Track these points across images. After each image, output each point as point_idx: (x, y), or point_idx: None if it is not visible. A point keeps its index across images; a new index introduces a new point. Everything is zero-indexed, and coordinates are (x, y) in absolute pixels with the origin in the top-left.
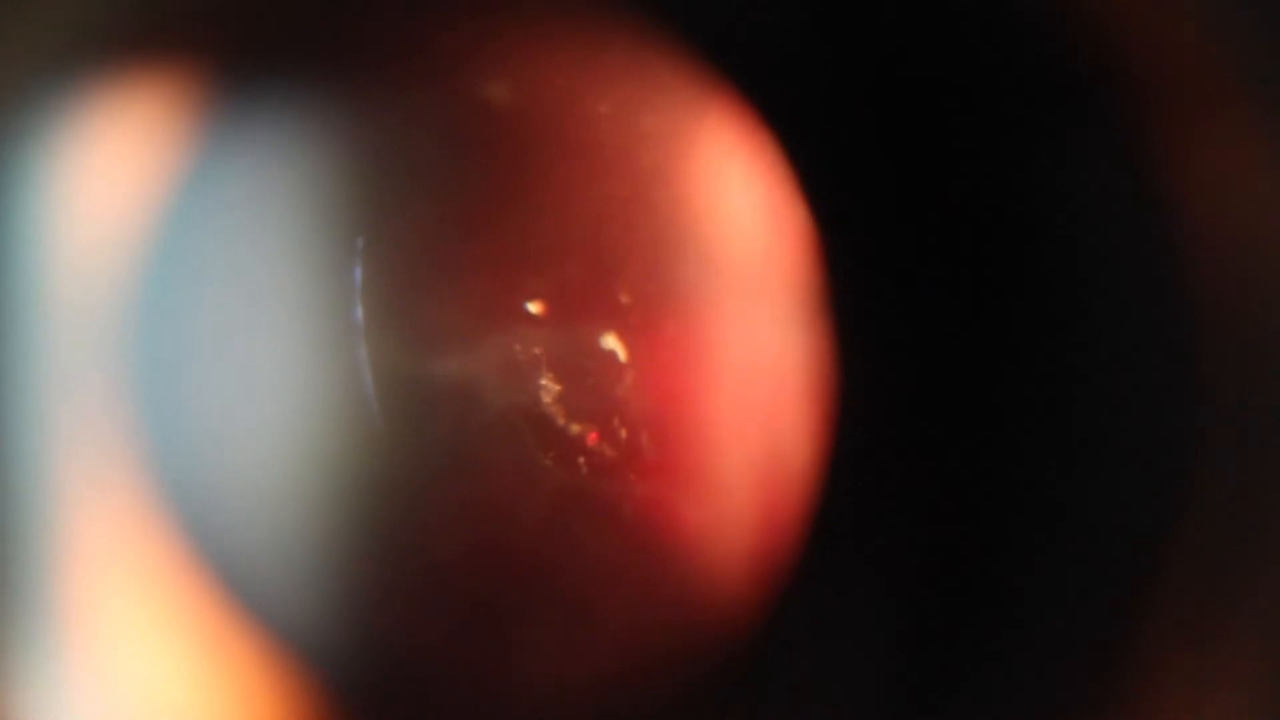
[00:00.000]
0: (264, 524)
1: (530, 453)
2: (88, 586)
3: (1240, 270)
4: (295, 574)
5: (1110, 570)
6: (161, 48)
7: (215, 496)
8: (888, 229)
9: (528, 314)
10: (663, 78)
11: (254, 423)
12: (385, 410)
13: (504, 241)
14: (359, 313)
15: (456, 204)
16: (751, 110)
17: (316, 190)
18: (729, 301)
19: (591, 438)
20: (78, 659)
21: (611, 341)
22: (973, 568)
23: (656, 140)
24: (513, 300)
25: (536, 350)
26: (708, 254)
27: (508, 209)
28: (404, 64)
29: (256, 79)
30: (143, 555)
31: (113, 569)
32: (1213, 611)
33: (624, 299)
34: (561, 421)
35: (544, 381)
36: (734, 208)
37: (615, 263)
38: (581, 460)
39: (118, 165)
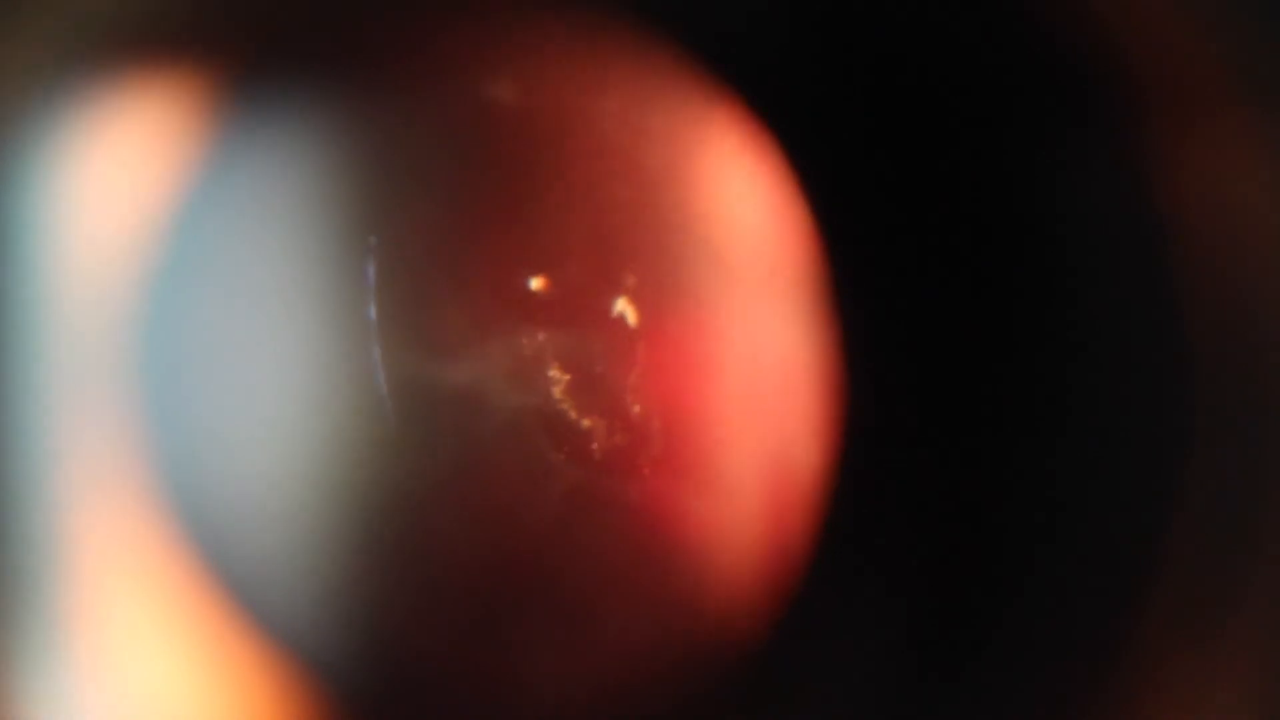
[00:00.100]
0: (270, 527)
1: (537, 454)
2: (93, 589)
3: (1238, 270)
4: (300, 577)
5: (1110, 570)
6: (171, 49)
7: (221, 499)
8: (889, 229)
9: (534, 315)
10: (667, 80)
11: (261, 425)
12: (395, 411)
13: (511, 243)
14: (373, 312)
15: (463, 205)
16: (754, 112)
17: (326, 190)
18: (734, 303)
19: (599, 439)
20: (82, 663)
21: (618, 342)
22: (973, 567)
23: (662, 142)
24: (519, 301)
25: (543, 351)
26: (713, 255)
27: (515, 210)
28: (412, 65)
29: (267, 79)
30: (148, 559)
31: (118, 573)
32: (1212, 611)
33: (631, 300)
34: (569, 422)
35: (551, 382)
36: (738, 209)
37: (622, 264)
38: (589, 461)
39: (126, 167)
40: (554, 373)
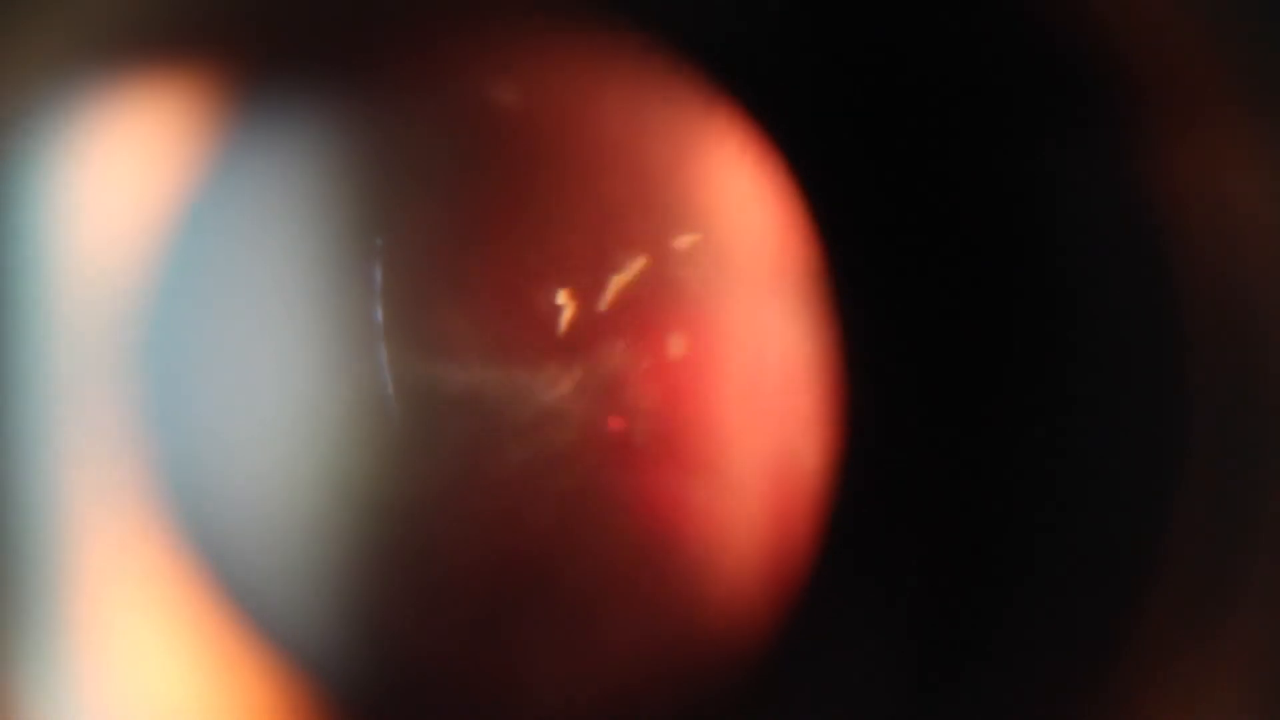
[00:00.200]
0: (272, 529)
1: (539, 455)
2: (94, 592)
3: (1236, 270)
4: (302, 579)
5: (1110, 570)
6: (177, 50)
7: (223, 501)
8: (888, 229)
9: (537, 316)
10: (668, 81)
11: (264, 428)
12: (399, 413)
13: (515, 244)
14: (379, 314)
15: (467, 208)
16: (755, 113)
17: (331, 192)
18: (735, 304)
19: (601, 439)
20: (84, 668)
21: (620, 344)
22: (973, 567)
23: (663, 143)
24: (522, 303)
25: (546, 352)
26: (714, 256)
27: (518, 212)
28: (416, 68)
29: (272, 81)
30: (150, 561)
31: (120, 575)
32: (1212, 611)
33: (634, 302)
34: (571, 423)
35: (554, 383)
36: (738, 209)
37: (623, 265)
38: (591, 462)
39: (131, 168)
40: (557, 374)
